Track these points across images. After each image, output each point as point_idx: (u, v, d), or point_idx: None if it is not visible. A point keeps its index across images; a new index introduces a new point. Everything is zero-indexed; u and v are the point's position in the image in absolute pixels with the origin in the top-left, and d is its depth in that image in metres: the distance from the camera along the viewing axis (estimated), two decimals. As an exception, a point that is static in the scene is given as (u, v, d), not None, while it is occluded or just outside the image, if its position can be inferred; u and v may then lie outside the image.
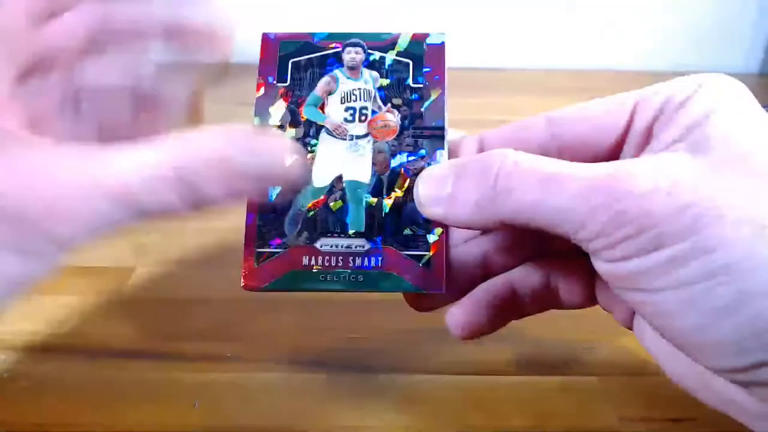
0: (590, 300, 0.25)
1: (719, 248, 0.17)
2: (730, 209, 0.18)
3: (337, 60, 0.26)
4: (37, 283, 0.20)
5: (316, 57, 0.26)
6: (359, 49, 0.26)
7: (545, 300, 0.25)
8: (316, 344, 0.28)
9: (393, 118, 0.25)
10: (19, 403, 0.24)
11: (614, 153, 0.23)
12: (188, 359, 0.27)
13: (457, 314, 0.24)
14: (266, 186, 0.22)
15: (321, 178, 0.24)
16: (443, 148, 0.25)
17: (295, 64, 0.26)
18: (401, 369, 0.27)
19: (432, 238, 0.24)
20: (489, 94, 0.77)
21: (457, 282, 0.25)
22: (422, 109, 0.25)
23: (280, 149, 0.21)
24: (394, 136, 0.25)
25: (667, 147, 0.20)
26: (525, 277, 0.25)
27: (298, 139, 0.25)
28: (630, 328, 0.26)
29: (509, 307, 0.25)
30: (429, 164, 0.24)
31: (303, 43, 0.26)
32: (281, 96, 0.25)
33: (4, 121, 0.21)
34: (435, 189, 0.22)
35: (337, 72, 0.26)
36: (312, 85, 0.25)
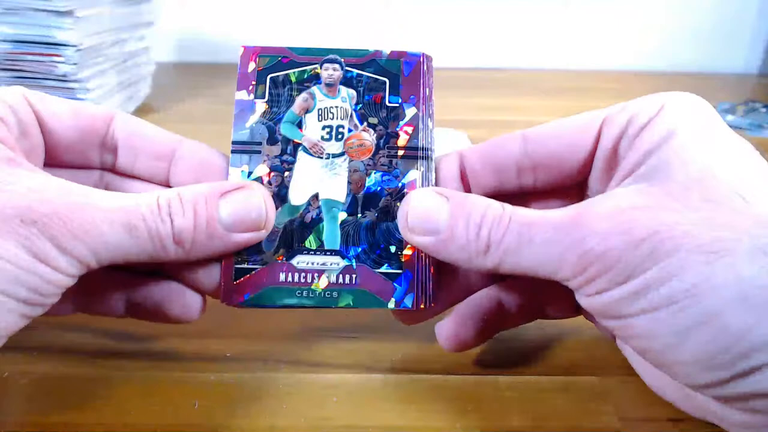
0: (574, 311, 0.27)
1: (678, 274, 0.19)
2: (686, 237, 0.19)
3: (315, 76, 0.26)
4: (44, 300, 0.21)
5: (294, 72, 0.26)
6: (337, 66, 0.26)
7: (531, 312, 0.27)
8: (316, 344, 0.28)
9: (368, 138, 0.25)
10: (19, 403, 0.24)
11: (585, 170, 0.24)
12: (188, 359, 0.27)
13: (446, 328, 0.25)
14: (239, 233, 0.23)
15: (297, 196, 0.25)
16: (416, 169, 0.25)
17: (274, 80, 0.25)
18: (401, 369, 0.27)
19: (405, 257, 0.24)
20: (489, 94, 0.77)
21: (442, 296, 0.25)
22: (397, 129, 0.25)
23: (256, 206, 0.23)
24: (370, 155, 0.25)
25: (629, 172, 0.22)
26: (511, 291, 0.26)
27: (275, 157, 0.25)
28: (613, 339, 0.27)
29: (496, 320, 0.26)
30: (402, 185, 0.24)
31: (282, 58, 0.26)
32: (259, 112, 0.25)
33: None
34: (426, 221, 0.23)
35: (314, 89, 0.25)
36: (290, 102, 0.25)
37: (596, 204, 0.21)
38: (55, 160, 0.26)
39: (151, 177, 0.26)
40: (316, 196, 0.25)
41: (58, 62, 0.51)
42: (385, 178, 0.25)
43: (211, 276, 0.24)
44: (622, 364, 0.27)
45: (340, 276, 0.24)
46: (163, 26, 0.72)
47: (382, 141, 0.25)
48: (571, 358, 0.28)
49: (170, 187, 0.26)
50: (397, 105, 0.25)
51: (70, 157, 0.26)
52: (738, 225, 0.19)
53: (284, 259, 0.24)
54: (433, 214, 0.22)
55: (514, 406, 0.25)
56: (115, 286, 0.24)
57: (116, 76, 0.60)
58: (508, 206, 0.22)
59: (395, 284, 0.24)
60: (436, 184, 0.25)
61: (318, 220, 0.24)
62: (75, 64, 0.52)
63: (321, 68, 0.26)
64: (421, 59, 0.26)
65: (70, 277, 0.21)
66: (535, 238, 0.21)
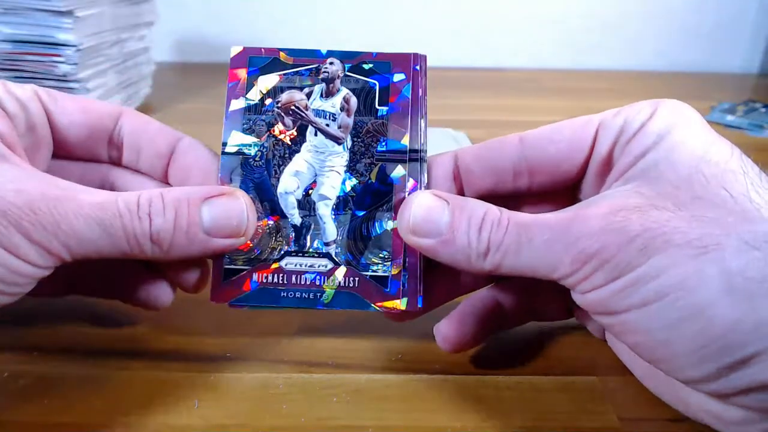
0: (567, 313, 0.27)
1: (668, 270, 0.19)
2: (676, 234, 0.20)
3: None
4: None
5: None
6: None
7: (525, 313, 0.27)
8: (316, 344, 0.28)
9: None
10: (19, 403, 0.24)
11: (580, 174, 0.25)
12: (188, 359, 0.27)
13: (444, 329, 0.26)
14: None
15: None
16: (404, 171, 0.25)
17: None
18: (401, 369, 0.27)
19: (391, 259, 0.24)
20: (489, 94, 0.77)
21: (431, 297, 0.26)
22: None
23: (237, 213, 0.23)
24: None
25: (621, 174, 0.23)
26: (506, 292, 0.27)
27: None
28: (604, 340, 0.27)
29: (493, 321, 0.26)
30: (389, 187, 0.25)
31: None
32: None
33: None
34: (428, 223, 0.23)
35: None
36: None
37: (591, 205, 0.21)
38: (65, 153, 0.26)
39: (152, 173, 0.27)
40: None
41: (58, 62, 0.52)
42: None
43: (190, 275, 0.25)
44: (621, 364, 0.27)
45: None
46: (163, 26, 0.72)
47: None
48: (571, 358, 0.28)
49: (170, 184, 0.26)
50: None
51: (79, 151, 0.27)
52: (726, 221, 0.20)
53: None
54: (435, 216, 0.23)
55: (514, 406, 0.25)
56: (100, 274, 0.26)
57: (116, 76, 0.60)
58: (504, 210, 0.23)
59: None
60: (428, 184, 0.25)
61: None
62: (75, 64, 0.52)
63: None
64: (411, 60, 0.26)
65: (41, 269, 0.21)
66: (533, 240, 0.21)
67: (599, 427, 0.24)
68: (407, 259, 0.24)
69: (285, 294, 0.24)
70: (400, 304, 0.24)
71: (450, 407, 0.25)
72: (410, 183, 0.25)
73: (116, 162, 0.27)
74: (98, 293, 0.28)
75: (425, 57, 0.26)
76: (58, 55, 0.51)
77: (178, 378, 0.26)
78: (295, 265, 0.24)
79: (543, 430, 0.24)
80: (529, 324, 0.28)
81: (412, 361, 0.27)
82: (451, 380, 0.26)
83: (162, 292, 0.26)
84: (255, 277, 0.24)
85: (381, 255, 0.24)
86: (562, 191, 0.26)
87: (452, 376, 0.26)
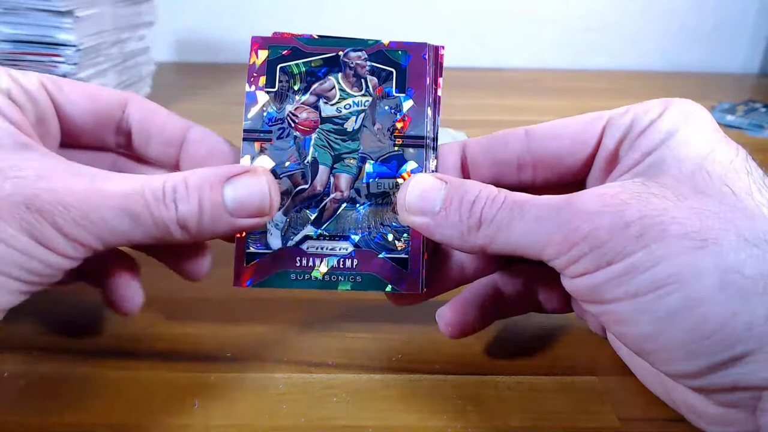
0: (567, 306, 0.27)
1: (664, 260, 0.19)
2: (674, 225, 0.19)
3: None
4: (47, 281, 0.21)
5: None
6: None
7: (527, 303, 0.27)
8: (316, 344, 0.28)
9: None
10: (19, 403, 0.24)
11: (584, 170, 0.25)
12: (188, 359, 0.27)
13: (447, 314, 0.26)
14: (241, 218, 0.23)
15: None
16: (413, 159, 0.25)
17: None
18: (401, 369, 0.27)
19: (401, 244, 0.25)
20: (489, 94, 0.77)
21: (434, 282, 0.26)
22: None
23: (259, 191, 0.23)
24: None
25: (627, 170, 0.22)
26: (508, 280, 0.27)
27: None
28: (604, 336, 0.27)
29: (494, 308, 0.27)
30: (398, 174, 0.25)
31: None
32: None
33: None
34: (423, 200, 0.23)
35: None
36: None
37: (592, 189, 0.21)
38: (72, 142, 0.26)
39: (162, 161, 0.27)
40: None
41: (58, 62, 0.52)
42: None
43: (200, 266, 0.26)
44: (621, 363, 0.27)
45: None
46: (163, 26, 0.72)
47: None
48: (571, 357, 0.28)
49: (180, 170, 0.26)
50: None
51: (87, 139, 0.27)
52: (726, 216, 0.19)
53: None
54: (430, 194, 0.23)
55: (514, 406, 0.25)
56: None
57: (116, 76, 0.60)
58: (504, 189, 0.22)
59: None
60: (437, 171, 0.25)
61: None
62: (75, 64, 0.52)
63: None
64: (421, 49, 0.26)
65: (73, 260, 0.21)
66: (525, 215, 0.21)
67: (599, 427, 0.24)
68: (413, 245, 0.25)
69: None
70: (417, 285, 0.25)
71: (450, 407, 0.25)
72: (412, 165, 0.25)
73: (124, 149, 0.27)
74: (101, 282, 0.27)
75: (437, 48, 0.26)
76: (58, 55, 0.51)
77: (178, 378, 0.26)
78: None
79: (543, 430, 0.24)
80: (529, 323, 0.28)
81: (412, 361, 0.27)
82: (451, 380, 0.26)
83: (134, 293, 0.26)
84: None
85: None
86: (568, 186, 0.26)
87: (452, 376, 0.26)
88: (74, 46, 0.51)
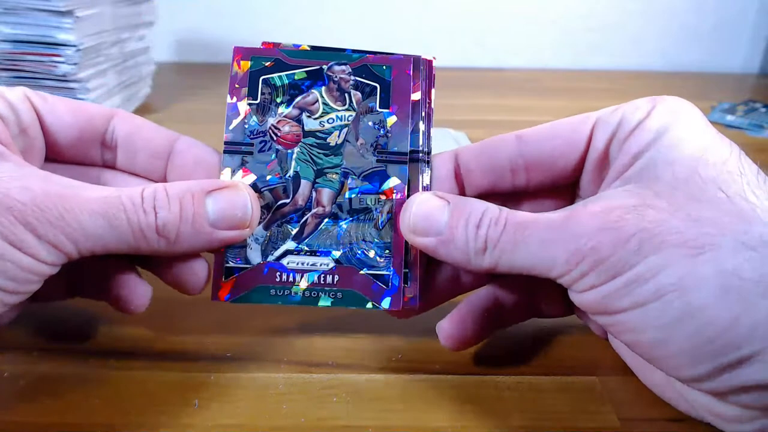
0: (567, 310, 0.27)
1: (665, 269, 0.19)
2: (672, 234, 0.20)
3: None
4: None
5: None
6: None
7: (526, 311, 0.27)
8: (316, 344, 0.28)
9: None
10: (19, 403, 0.24)
11: (577, 171, 0.25)
12: (188, 359, 0.27)
13: (446, 328, 0.26)
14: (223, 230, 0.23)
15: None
16: (406, 172, 0.25)
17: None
18: (401, 369, 0.27)
19: (392, 257, 0.25)
20: (489, 94, 0.77)
21: (430, 295, 0.26)
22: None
23: (241, 204, 0.23)
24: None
25: (619, 174, 0.23)
26: (507, 289, 0.27)
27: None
28: (605, 339, 0.27)
29: (494, 318, 0.27)
30: (381, 190, 0.25)
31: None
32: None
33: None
34: (427, 221, 0.23)
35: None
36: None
37: (587, 204, 0.22)
38: (57, 156, 0.26)
39: (150, 174, 0.27)
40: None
41: (58, 62, 0.51)
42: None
43: (191, 276, 0.25)
44: (622, 364, 0.27)
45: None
46: (163, 26, 0.72)
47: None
48: (571, 358, 0.28)
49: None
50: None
51: (72, 154, 0.26)
52: (722, 221, 0.20)
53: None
54: (435, 215, 0.23)
55: (514, 406, 0.25)
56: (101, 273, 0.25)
57: (116, 76, 0.60)
58: (504, 209, 0.23)
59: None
60: (431, 185, 0.25)
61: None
62: (75, 64, 0.52)
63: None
64: (406, 64, 0.26)
65: (49, 266, 0.21)
66: (529, 238, 0.21)
67: (599, 427, 0.24)
68: (406, 258, 0.24)
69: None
70: (399, 302, 0.24)
71: (450, 407, 0.25)
72: (395, 182, 0.25)
73: (110, 164, 0.27)
74: (97, 295, 0.27)
75: (425, 60, 0.26)
76: (58, 55, 0.51)
77: (178, 378, 0.26)
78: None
79: (543, 430, 0.24)
80: (529, 324, 0.28)
81: (412, 361, 0.27)
82: (451, 380, 0.26)
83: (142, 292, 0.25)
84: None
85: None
86: (562, 189, 0.26)
87: (452, 376, 0.26)
88: (74, 46, 0.51)
